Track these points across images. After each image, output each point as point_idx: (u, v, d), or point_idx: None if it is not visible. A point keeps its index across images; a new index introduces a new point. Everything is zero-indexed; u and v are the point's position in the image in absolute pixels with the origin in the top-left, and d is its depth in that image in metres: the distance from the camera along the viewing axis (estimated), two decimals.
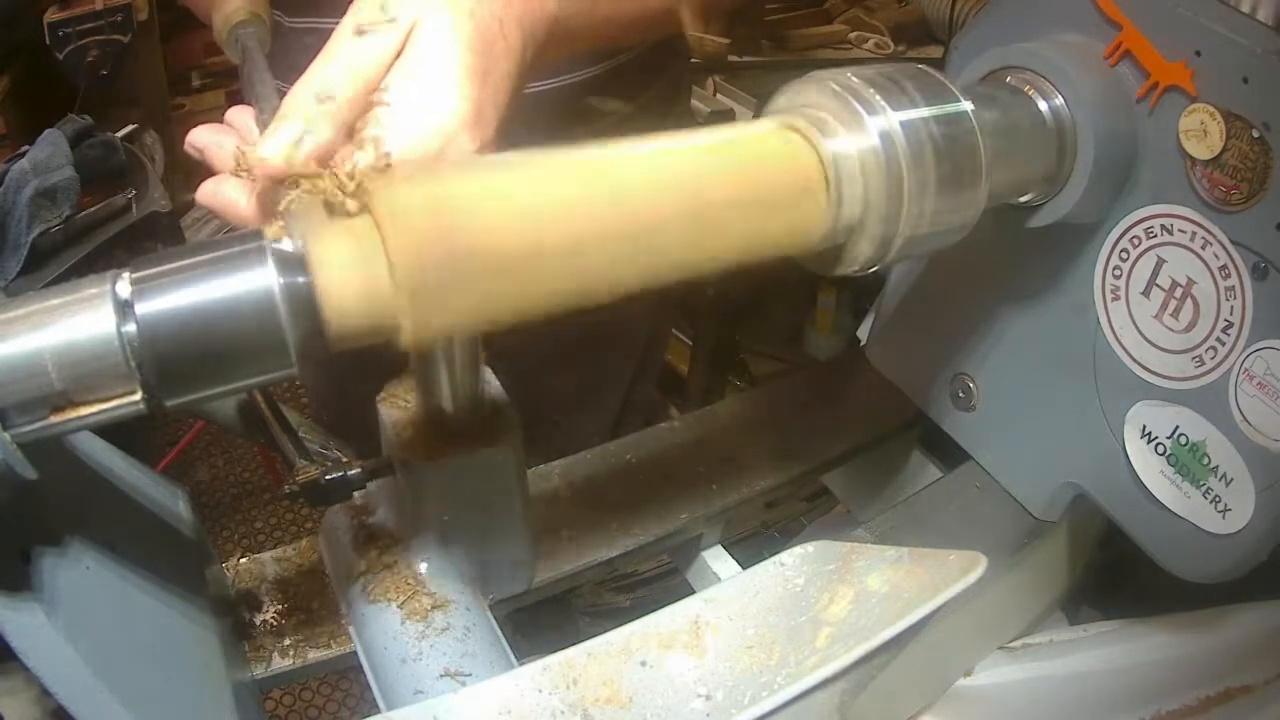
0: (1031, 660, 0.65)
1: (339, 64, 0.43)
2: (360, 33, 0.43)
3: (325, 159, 0.42)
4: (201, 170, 0.48)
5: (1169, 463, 0.54)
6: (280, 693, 1.68)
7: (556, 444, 0.71)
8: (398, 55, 0.44)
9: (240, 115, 0.49)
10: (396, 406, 0.55)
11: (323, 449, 0.63)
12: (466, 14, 0.44)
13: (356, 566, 0.55)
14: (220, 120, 0.50)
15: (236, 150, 0.44)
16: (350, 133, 0.43)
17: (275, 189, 0.42)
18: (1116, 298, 0.55)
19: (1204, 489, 0.52)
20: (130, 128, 1.30)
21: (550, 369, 0.86)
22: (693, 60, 1.64)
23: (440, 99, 0.43)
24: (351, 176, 0.37)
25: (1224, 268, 0.49)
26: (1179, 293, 0.52)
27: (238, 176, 0.45)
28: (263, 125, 0.46)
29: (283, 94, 0.44)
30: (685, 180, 0.40)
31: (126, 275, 0.34)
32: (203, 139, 0.48)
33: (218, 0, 0.57)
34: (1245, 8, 0.62)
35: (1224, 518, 0.51)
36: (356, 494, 0.57)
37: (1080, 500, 0.61)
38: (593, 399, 0.99)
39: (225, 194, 0.45)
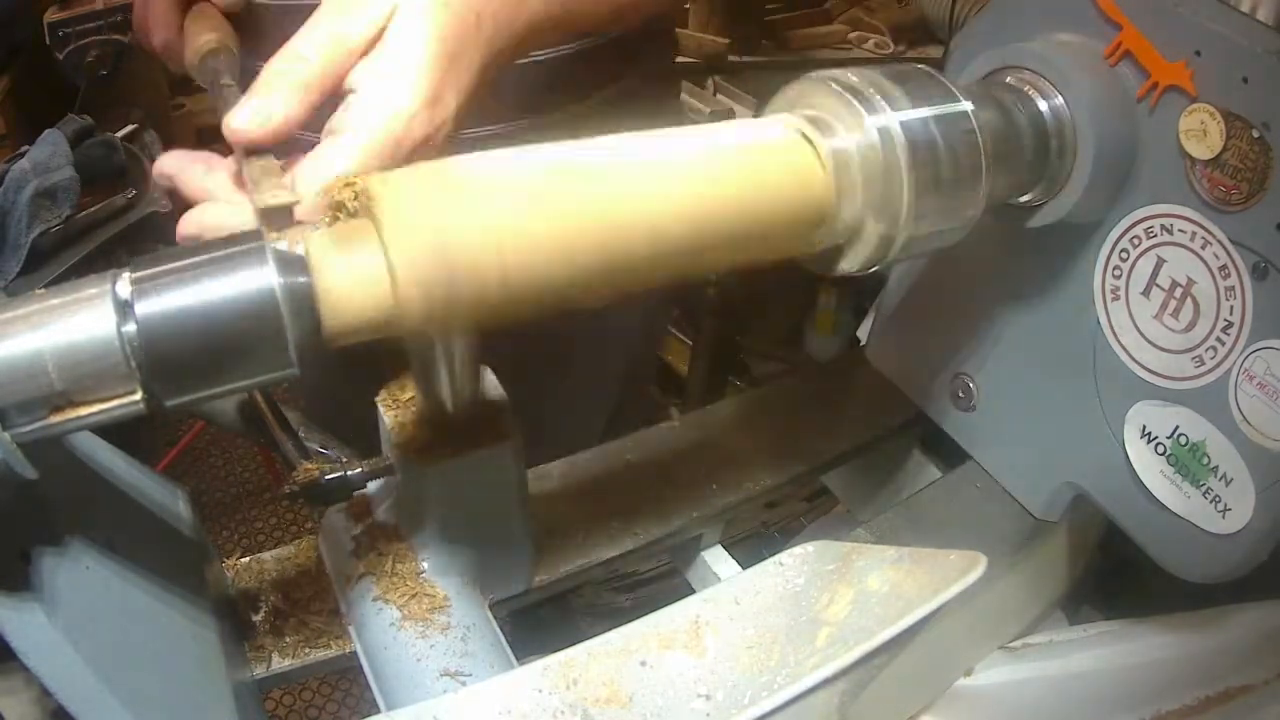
0: (1031, 660, 0.65)
1: (315, 38, 0.45)
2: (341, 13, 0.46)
3: (292, 127, 0.44)
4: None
5: (1169, 463, 0.54)
6: (280, 693, 1.68)
7: (554, 444, 0.71)
8: (376, 38, 0.46)
9: (173, 162, 0.49)
10: (396, 407, 0.55)
11: (323, 449, 0.63)
12: (441, 4, 0.47)
13: (356, 566, 0.55)
14: (220, 122, 0.51)
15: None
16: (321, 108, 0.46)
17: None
18: (1116, 298, 0.55)
19: (1204, 489, 0.52)
20: (130, 128, 1.30)
21: (541, 366, 0.86)
22: (693, 60, 1.64)
23: (400, 88, 0.45)
24: (350, 184, 0.38)
25: (1224, 268, 0.49)
26: (1179, 293, 0.52)
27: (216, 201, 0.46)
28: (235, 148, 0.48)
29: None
30: (685, 180, 0.40)
31: (126, 275, 0.34)
32: (170, 165, 0.49)
33: (189, 34, 0.59)
34: (1245, 8, 0.62)
35: (1224, 518, 0.51)
36: (356, 494, 0.57)
37: (1080, 500, 0.61)
38: (585, 397, 0.98)
39: (211, 219, 0.46)
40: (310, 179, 0.43)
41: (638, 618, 0.52)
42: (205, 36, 0.59)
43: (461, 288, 0.35)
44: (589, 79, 0.79)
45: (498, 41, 0.50)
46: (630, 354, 1.01)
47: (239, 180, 0.46)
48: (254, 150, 0.44)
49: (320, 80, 0.45)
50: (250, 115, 0.44)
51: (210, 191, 0.47)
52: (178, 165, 0.49)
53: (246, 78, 0.52)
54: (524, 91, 0.72)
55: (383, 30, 0.46)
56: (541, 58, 0.73)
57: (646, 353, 1.06)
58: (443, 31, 0.46)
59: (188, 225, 0.46)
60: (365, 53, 0.46)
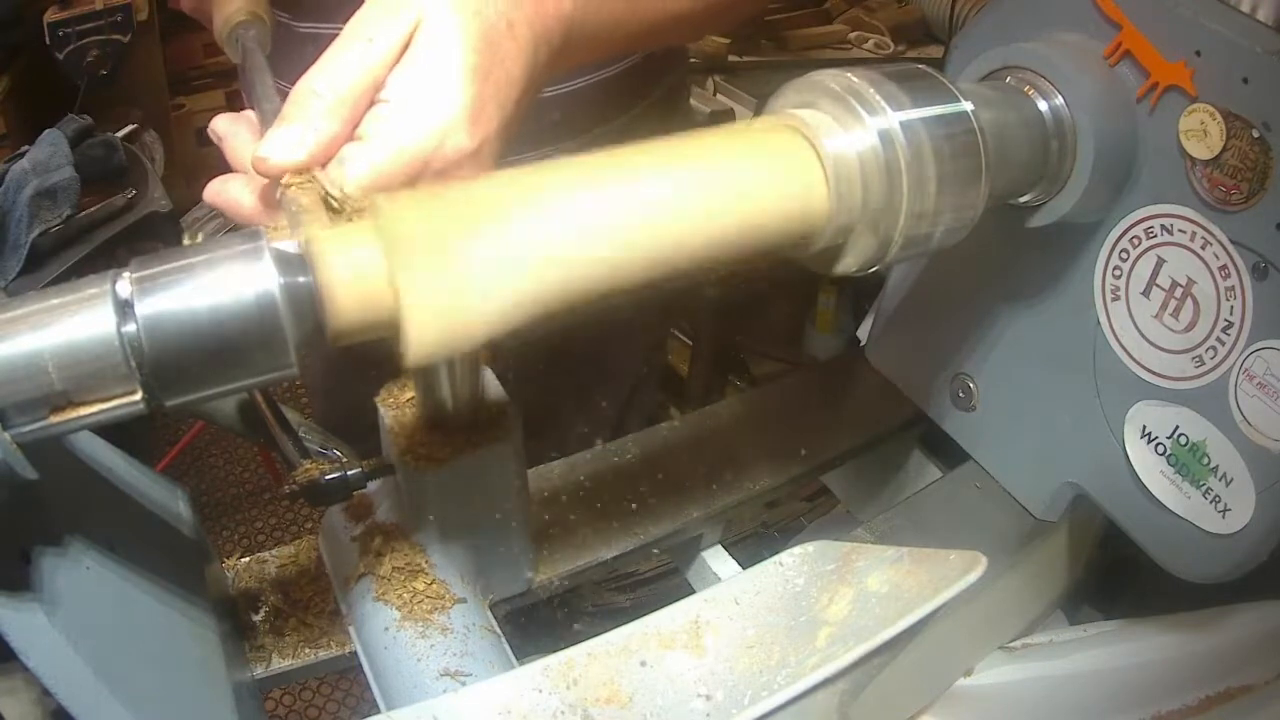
0: (1031, 660, 0.65)
1: (343, 61, 0.43)
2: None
3: (328, 157, 0.42)
4: (206, 169, 0.47)
5: (1169, 463, 0.54)
6: (280, 693, 1.68)
7: (557, 445, 0.71)
8: (402, 52, 0.44)
9: (226, 124, 0.48)
10: (396, 406, 0.55)
11: (323, 449, 0.63)
12: (472, 13, 0.44)
13: (356, 567, 0.55)
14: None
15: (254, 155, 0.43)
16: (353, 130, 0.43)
17: (276, 187, 0.42)
18: (1116, 298, 0.55)
19: (1204, 489, 0.52)
20: (130, 128, 1.31)
21: (551, 371, 0.86)
22: (692, 60, 1.64)
23: (437, 97, 0.43)
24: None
25: (1224, 268, 0.49)
26: (1179, 293, 0.52)
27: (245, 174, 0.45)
28: (264, 125, 0.46)
29: (284, 95, 0.44)
30: (686, 184, 0.40)
31: (126, 275, 0.34)
32: (223, 127, 0.47)
33: (218, 1, 0.56)
34: (1245, 8, 0.62)
35: (1224, 518, 0.51)
36: (356, 494, 0.57)
37: (1080, 500, 0.61)
38: (593, 402, 0.99)
39: (230, 193, 0.45)
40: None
41: (638, 618, 0.52)
42: (236, 4, 0.55)
43: (462, 289, 0.35)
44: (604, 109, 0.78)
45: (538, 54, 0.47)
46: (638, 362, 1.01)
47: (266, 198, 0.44)
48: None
49: (352, 106, 0.42)
50: (280, 143, 0.41)
51: (244, 164, 0.45)
52: (228, 129, 0.47)
53: (287, 43, 0.47)
54: (537, 124, 0.69)
55: (409, 40, 0.43)
56: (554, 93, 0.73)
57: (653, 362, 1.06)
58: (475, 41, 0.44)
59: (208, 192, 0.46)
60: (393, 65, 0.43)
